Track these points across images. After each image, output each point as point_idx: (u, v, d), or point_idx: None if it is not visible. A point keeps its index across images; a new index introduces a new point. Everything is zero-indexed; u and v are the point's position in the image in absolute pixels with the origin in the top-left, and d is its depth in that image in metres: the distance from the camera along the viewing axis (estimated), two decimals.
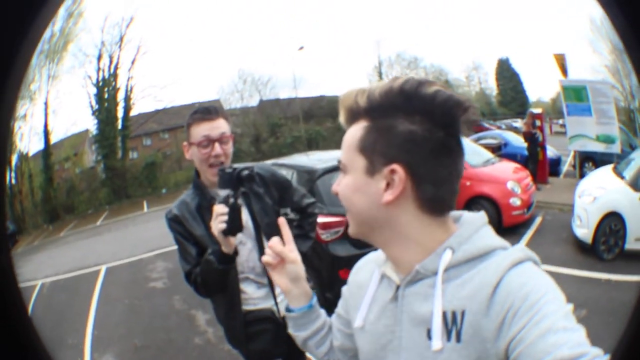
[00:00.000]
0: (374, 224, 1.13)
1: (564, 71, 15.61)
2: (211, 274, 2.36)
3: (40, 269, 14.07)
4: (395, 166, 1.05)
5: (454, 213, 1.18)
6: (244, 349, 2.72)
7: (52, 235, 23.17)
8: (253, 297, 2.64)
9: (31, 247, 21.57)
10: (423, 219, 1.10)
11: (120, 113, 30.43)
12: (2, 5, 0.67)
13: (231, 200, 2.21)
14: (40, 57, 26.59)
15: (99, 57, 29.48)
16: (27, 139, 28.78)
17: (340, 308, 1.50)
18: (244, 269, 2.58)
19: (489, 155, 11.16)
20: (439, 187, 1.07)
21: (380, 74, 36.75)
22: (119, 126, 30.28)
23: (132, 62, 30.52)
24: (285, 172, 7.35)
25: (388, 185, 1.07)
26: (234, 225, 2.20)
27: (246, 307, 2.64)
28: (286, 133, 33.51)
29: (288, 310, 1.50)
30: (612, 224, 7.46)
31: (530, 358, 0.88)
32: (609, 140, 12.67)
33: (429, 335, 1.06)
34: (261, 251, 2.46)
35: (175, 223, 2.56)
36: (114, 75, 29.99)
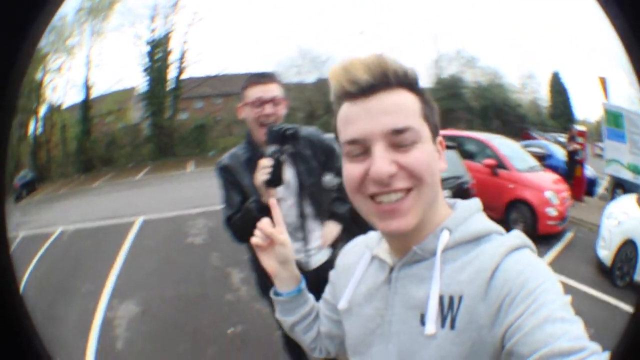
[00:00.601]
0: (435, 197, 1.10)
1: (606, 94, 15.66)
2: (249, 221, 2.40)
3: (62, 216, 14.44)
4: (441, 138, 1.13)
5: (448, 200, 1.22)
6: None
7: (82, 185, 23.56)
8: None
9: (55, 195, 21.94)
10: (442, 195, 1.16)
11: (171, 74, 30.62)
12: (2, 4, 0.68)
13: (276, 155, 2.54)
14: (80, 13, 27.18)
15: (152, 19, 29.71)
16: (62, 91, 29.45)
17: (327, 293, 1.52)
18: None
19: (534, 162, 11.27)
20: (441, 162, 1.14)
21: (438, 68, 36.67)
22: (170, 86, 30.51)
23: (188, 27, 31.00)
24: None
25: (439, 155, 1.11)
26: (275, 178, 2.53)
27: None
28: None
29: (276, 294, 1.51)
30: (628, 251, 7.49)
31: (527, 347, 0.88)
32: (637, 170, 12.66)
33: (422, 321, 1.06)
34: (301, 209, 2.93)
35: (225, 172, 2.90)
36: (167, 38, 30.23)
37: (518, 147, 12.21)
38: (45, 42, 26.33)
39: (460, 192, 7.33)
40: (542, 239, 9.23)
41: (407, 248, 1.11)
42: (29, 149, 26.93)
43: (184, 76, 31.15)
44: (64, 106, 28.57)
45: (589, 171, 14.74)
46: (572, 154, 12.98)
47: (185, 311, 6.57)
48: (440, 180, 1.10)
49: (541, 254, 8.35)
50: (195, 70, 37.89)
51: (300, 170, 2.91)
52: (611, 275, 7.66)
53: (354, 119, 1.05)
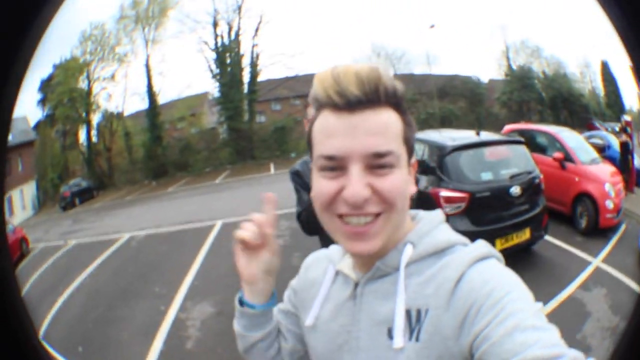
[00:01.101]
0: (402, 221, 1.10)
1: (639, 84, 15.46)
2: (313, 215, 3.13)
3: (130, 222, 14.62)
4: (414, 160, 1.13)
5: (411, 211, 1.19)
6: None
7: (154, 191, 23.67)
8: None
9: (120, 202, 21.98)
10: (407, 214, 1.14)
11: (246, 78, 30.93)
12: (3, 5, 0.70)
13: None
14: (123, 21, 27.90)
15: (215, 24, 30.21)
16: (120, 99, 30.06)
17: (287, 303, 1.43)
18: None
19: (595, 154, 11.10)
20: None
21: (508, 59, 36.03)
22: (245, 90, 30.82)
23: (256, 30, 31.01)
24: (417, 147, 8.10)
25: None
26: None
27: None
28: (420, 109, 32.76)
29: (248, 305, 1.30)
30: None
31: (496, 357, 0.86)
32: None
33: (390, 335, 1.04)
34: None
35: (296, 176, 3.57)
36: (236, 42, 30.60)
37: (581, 139, 12.02)
38: (80, 51, 26.91)
39: (532, 186, 7.38)
40: (602, 232, 9.23)
41: (371, 263, 1.10)
42: (83, 158, 27.56)
43: (259, 79, 31.54)
44: (125, 114, 29.34)
45: (638, 161, 14.36)
46: (623, 145, 12.75)
47: None
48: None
49: (600, 246, 8.69)
50: (270, 72, 38.12)
51: None
52: None
53: (335, 133, 1.01)
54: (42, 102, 27.57)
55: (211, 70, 30.43)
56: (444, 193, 6.70)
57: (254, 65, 31.26)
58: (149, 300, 7.58)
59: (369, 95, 0.99)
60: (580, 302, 6.59)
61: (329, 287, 1.24)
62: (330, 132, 1.01)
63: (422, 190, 7.00)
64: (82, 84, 27.47)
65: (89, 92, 27.53)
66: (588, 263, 7.95)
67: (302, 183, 3.53)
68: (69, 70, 26.87)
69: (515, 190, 7.05)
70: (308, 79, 31.65)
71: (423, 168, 7.28)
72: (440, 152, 7.21)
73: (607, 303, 6.54)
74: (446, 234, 1.12)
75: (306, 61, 44.47)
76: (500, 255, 1.07)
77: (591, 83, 34.39)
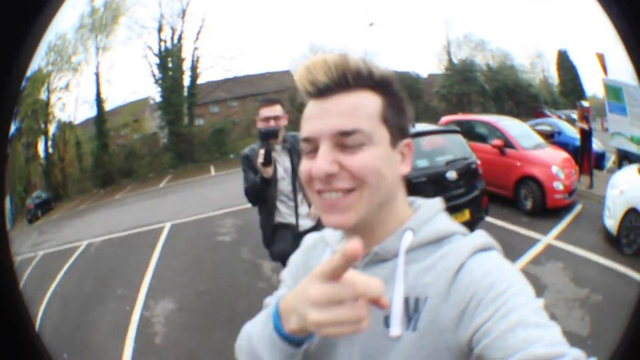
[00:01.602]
0: (387, 200, 1.10)
1: (605, 70, 15.83)
2: (256, 188, 4.22)
3: (86, 230, 14.51)
4: (409, 140, 1.12)
5: (409, 198, 1.21)
6: (271, 249, 4.53)
7: (103, 199, 23.65)
8: (283, 212, 4.44)
9: (75, 211, 21.98)
10: (405, 197, 1.17)
11: (186, 82, 30.88)
12: (4, 3, 0.71)
13: (266, 146, 4.06)
14: (82, 31, 27.33)
15: (160, 29, 29.99)
16: (72, 108, 29.26)
17: (288, 278, 1.39)
18: (281, 194, 4.40)
19: (540, 140, 11.60)
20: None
21: (449, 53, 36.61)
22: (185, 94, 30.74)
23: (197, 34, 30.90)
24: None
25: (402, 158, 1.12)
26: (266, 160, 4.04)
27: (278, 219, 4.45)
28: None
29: (294, 342, 0.99)
30: (633, 219, 7.68)
31: (498, 352, 0.86)
32: None
33: (387, 323, 1.03)
34: (293, 186, 4.41)
35: (246, 159, 4.37)
36: (178, 46, 30.46)
37: (525, 126, 12.53)
38: (45, 62, 26.55)
39: (469, 171, 7.73)
40: (552, 212, 9.68)
41: (368, 248, 1.10)
42: (41, 169, 26.95)
43: (198, 82, 31.45)
44: (76, 123, 28.70)
45: (597, 145, 14.84)
46: (583, 132, 12.95)
47: (219, 302, 7.02)
48: (405, 180, 1.15)
49: (551, 226, 9.11)
50: (210, 75, 38.07)
51: (293, 159, 4.38)
52: (618, 243, 7.90)
53: (310, 118, 1.08)
54: (15, 115, 26.47)
55: (154, 75, 30.30)
56: None
57: (194, 68, 31.21)
58: (114, 302, 7.69)
59: (336, 81, 1.05)
60: (534, 276, 6.95)
61: None
62: (307, 117, 1.09)
63: None
64: (43, 95, 27.07)
65: (47, 103, 27.02)
66: (536, 240, 8.49)
67: (249, 165, 4.35)
68: (35, 81, 26.38)
69: (452, 175, 7.42)
70: (246, 80, 31.81)
71: None
72: None
73: (568, 276, 6.94)
74: (446, 222, 1.13)
75: (245, 63, 44.60)
76: (499, 247, 1.08)
77: (543, 73, 35.15)
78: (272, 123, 4.27)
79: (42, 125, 26.89)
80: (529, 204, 10.04)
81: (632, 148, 13.16)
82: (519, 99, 32.43)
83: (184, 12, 30.57)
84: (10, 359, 0.78)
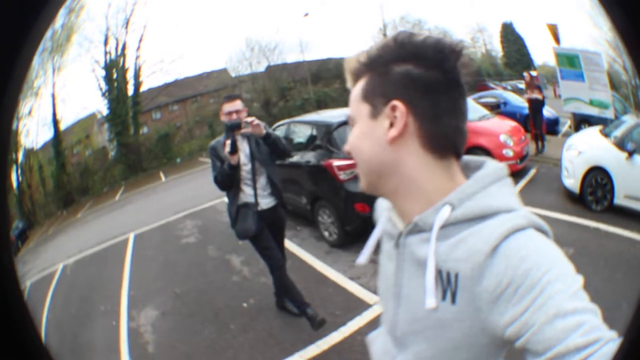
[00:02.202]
0: (382, 169, 1.13)
1: (557, 40, 16.15)
2: (225, 175, 4.83)
3: (59, 253, 14.42)
4: (395, 102, 1.08)
5: (474, 160, 1.19)
6: (235, 227, 5.10)
7: (67, 220, 23.56)
8: (247, 194, 5.04)
9: (45, 237, 21.69)
10: (428, 160, 1.10)
11: (130, 91, 30.71)
12: (3, 7, 0.71)
13: (231, 137, 4.68)
14: (43, 54, 26.82)
15: (106, 41, 29.62)
16: (34, 134, 28.53)
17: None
18: (244, 177, 4.99)
19: (485, 111, 11.99)
20: (440, 123, 1.08)
21: (385, 36, 36.72)
22: (130, 103, 30.55)
23: (139, 42, 30.62)
24: (304, 128, 8.69)
25: (392, 125, 1.09)
26: (232, 149, 4.63)
27: (243, 199, 5.04)
28: (295, 96, 33.98)
29: None
30: (597, 177, 8.05)
31: (539, 345, 0.86)
32: (602, 105, 13.08)
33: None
34: (253, 168, 5.00)
35: (213, 150, 4.98)
36: (122, 56, 30.18)
37: (468, 100, 12.64)
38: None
39: None
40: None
41: (410, 217, 1.12)
42: (15, 200, 26.20)
43: (141, 90, 31.22)
44: (38, 147, 28.05)
45: (549, 112, 15.36)
46: (532, 101, 13.29)
47: (199, 301, 7.03)
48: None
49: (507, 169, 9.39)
50: (152, 82, 37.85)
51: (252, 146, 5.02)
52: (583, 201, 8.32)
53: None
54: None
55: (101, 89, 30.00)
56: (337, 163, 7.47)
57: (137, 77, 30.93)
58: (100, 319, 7.56)
59: (352, 78, 1.20)
60: None
61: (382, 231, 1.29)
62: None
63: (316, 164, 7.94)
64: (14, 124, 26.34)
65: (16, 132, 26.26)
66: None
67: (216, 155, 4.98)
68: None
69: None
70: (186, 82, 31.69)
71: (313, 145, 8.27)
72: (327, 129, 8.09)
73: None
74: (494, 198, 1.06)
75: (185, 65, 44.57)
76: (543, 225, 1.02)
77: (485, 46, 35.57)
78: (234, 116, 4.87)
79: (14, 155, 26.35)
80: None
81: (591, 111, 13.42)
82: None
83: (127, 21, 30.32)
84: None
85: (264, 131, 4.82)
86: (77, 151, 29.55)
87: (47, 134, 28.72)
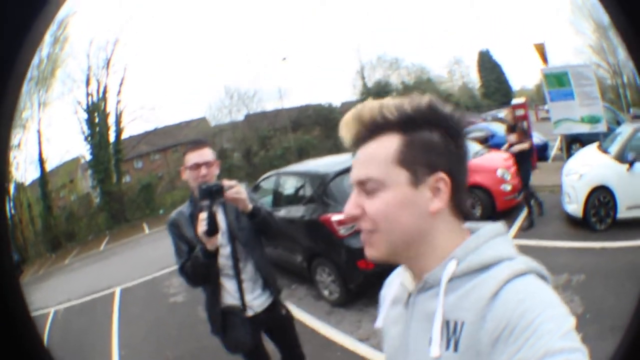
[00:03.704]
0: (415, 238, 1.13)
1: (545, 59, 16.07)
2: (198, 266, 3.16)
3: (50, 296, 14.38)
4: (442, 174, 1.10)
5: (475, 224, 1.22)
6: (223, 338, 3.40)
7: (56, 264, 23.56)
8: (229, 291, 3.36)
9: (37, 276, 21.89)
10: (455, 225, 1.15)
11: (112, 137, 30.89)
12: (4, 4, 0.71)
13: (208, 208, 3.00)
14: (30, 84, 27.05)
15: (87, 82, 30.00)
16: (23, 168, 29.17)
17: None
18: (222, 266, 3.31)
19: (477, 147, 11.66)
20: (464, 189, 1.15)
21: (363, 78, 37.03)
22: (112, 151, 30.70)
23: (120, 85, 31.08)
24: (295, 180, 8.08)
25: (433, 194, 1.11)
26: (211, 228, 2.96)
27: (226, 300, 3.36)
28: (276, 144, 34.09)
29: None
30: (600, 196, 7.99)
31: None
32: (594, 120, 13.09)
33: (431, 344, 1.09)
34: (234, 252, 3.34)
35: (173, 226, 3.38)
36: (104, 99, 30.50)
37: None
38: None
39: None
40: (504, 213, 9.77)
41: (421, 276, 1.16)
42: (9, 229, 26.43)
43: (123, 137, 31.58)
44: (26, 184, 28.72)
45: (537, 137, 15.22)
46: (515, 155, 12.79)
47: None
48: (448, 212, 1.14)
49: (507, 226, 9.27)
50: (132, 129, 38.16)
51: (229, 217, 3.38)
52: (587, 223, 8.17)
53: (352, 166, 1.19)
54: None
55: (83, 132, 30.34)
56: (336, 217, 6.87)
57: (118, 122, 31.32)
58: None
59: (355, 137, 1.17)
60: None
61: (395, 296, 1.30)
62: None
63: (311, 219, 7.38)
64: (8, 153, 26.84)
65: (7, 161, 26.79)
66: None
67: (179, 234, 3.38)
68: None
69: None
70: (166, 131, 31.83)
71: (307, 198, 7.74)
72: (323, 180, 7.53)
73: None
74: (494, 250, 1.11)
75: (165, 113, 45.04)
76: (542, 270, 1.07)
77: (462, 78, 35.91)
78: (203, 171, 3.23)
79: (6, 185, 26.94)
80: (478, 211, 9.98)
81: (583, 129, 13.45)
82: None
83: (108, 61, 30.74)
84: None
85: (250, 206, 3.22)
86: (63, 195, 30.08)
87: (35, 173, 29.30)
